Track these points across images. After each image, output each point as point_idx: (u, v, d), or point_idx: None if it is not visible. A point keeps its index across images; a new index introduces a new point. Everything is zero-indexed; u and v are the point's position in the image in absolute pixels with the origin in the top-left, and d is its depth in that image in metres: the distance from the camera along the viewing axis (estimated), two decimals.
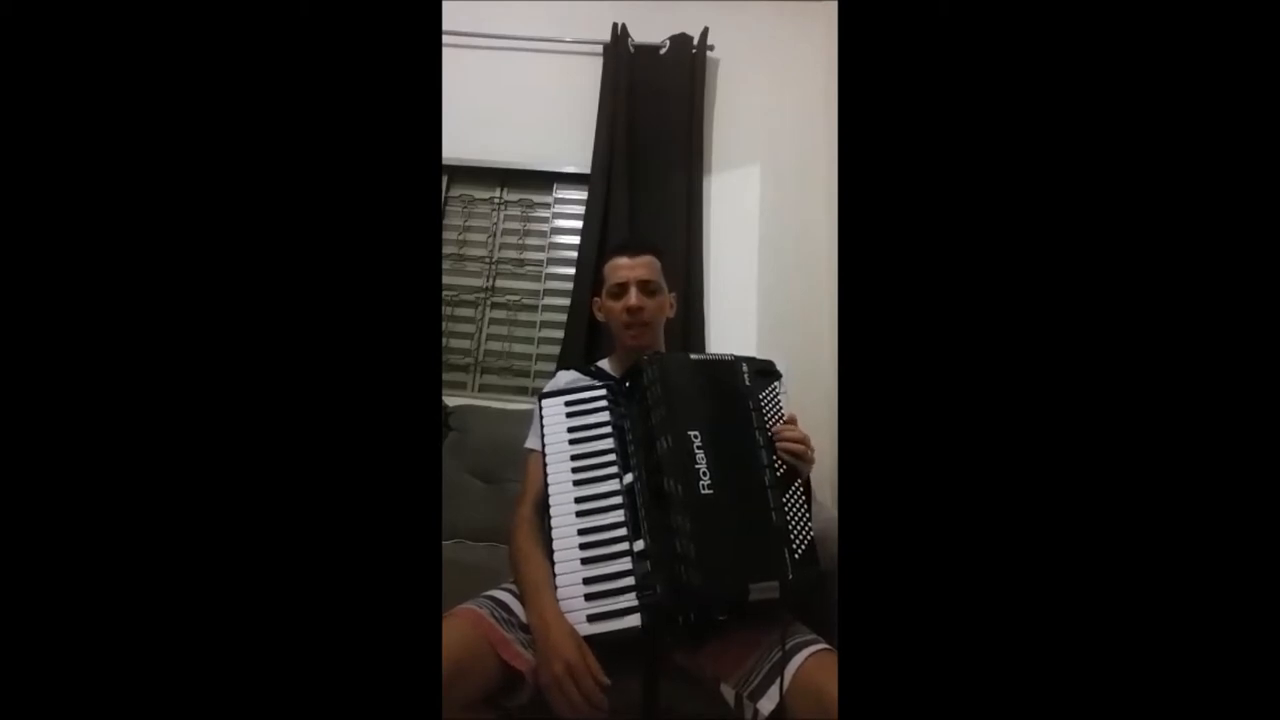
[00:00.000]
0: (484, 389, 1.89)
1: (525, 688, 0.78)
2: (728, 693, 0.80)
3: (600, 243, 1.76)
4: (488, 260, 1.98)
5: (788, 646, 0.78)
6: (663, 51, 1.98)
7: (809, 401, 1.61)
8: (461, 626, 0.78)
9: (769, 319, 1.86)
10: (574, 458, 0.88)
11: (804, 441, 0.88)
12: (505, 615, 0.83)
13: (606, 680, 0.73)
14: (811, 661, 0.76)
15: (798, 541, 0.82)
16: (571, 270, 1.87)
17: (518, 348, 1.92)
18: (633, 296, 1.05)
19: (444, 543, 1.32)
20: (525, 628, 0.81)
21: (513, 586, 0.89)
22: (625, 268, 1.08)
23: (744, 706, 0.78)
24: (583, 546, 0.81)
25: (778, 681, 0.75)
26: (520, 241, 2.00)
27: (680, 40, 1.97)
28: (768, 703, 0.75)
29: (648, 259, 1.10)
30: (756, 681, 0.77)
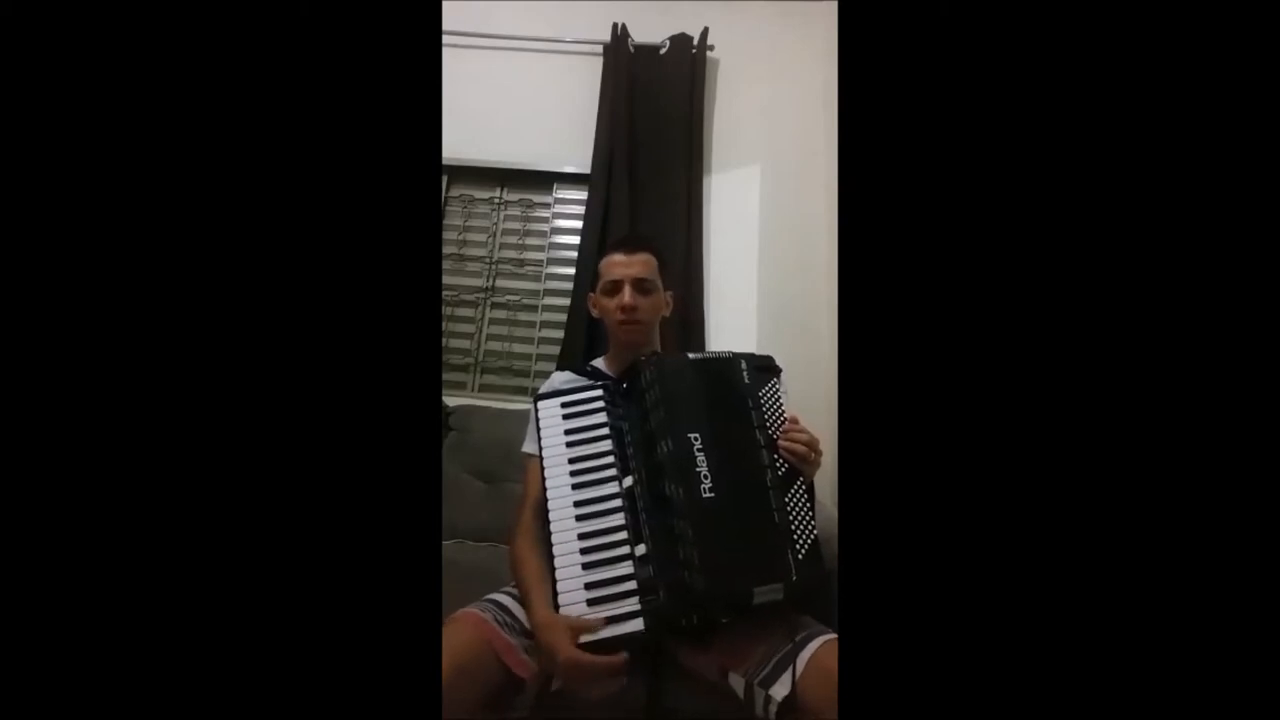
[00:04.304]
0: (484, 389, 1.89)
1: (527, 693, 0.78)
2: (736, 682, 0.80)
3: (600, 243, 1.76)
4: (488, 260, 1.98)
5: (799, 637, 0.78)
6: (663, 51, 1.98)
7: (809, 401, 1.61)
8: (464, 630, 0.78)
9: (769, 318, 1.86)
10: (572, 460, 0.88)
11: (811, 445, 0.87)
12: (508, 620, 0.83)
13: (597, 660, 0.73)
14: (825, 648, 0.76)
15: (801, 542, 0.82)
16: (571, 270, 1.86)
17: (518, 348, 1.92)
18: (626, 295, 1.04)
19: (444, 543, 1.32)
20: (528, 632, 0.81)
21: (515, 590, 0.89)
22: (620, 265, 1.07)
23: (754, 694, 0.77)
24: (583, 551, 0.81)
25: (790, 668, 0.75)
26: (520, 241, 2.00)
27: (680, 40, 1.97)
28: (780, 689, 0.74)
29: (644, 257, 1.08)
30: (768, 670, 0.77)
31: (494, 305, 1.95)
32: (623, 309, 1.05)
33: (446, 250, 1.98)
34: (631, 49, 1.97)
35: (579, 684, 0.74)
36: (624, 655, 0.73)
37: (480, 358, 1.91)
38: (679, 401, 0.87)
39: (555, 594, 0.79)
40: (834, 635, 0.79)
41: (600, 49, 1.98)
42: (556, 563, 0.81)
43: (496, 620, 0.82)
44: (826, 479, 1.54)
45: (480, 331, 1.93)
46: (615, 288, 1.06)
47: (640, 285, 1.06)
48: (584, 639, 0.74)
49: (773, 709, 0.74)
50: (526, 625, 0.82)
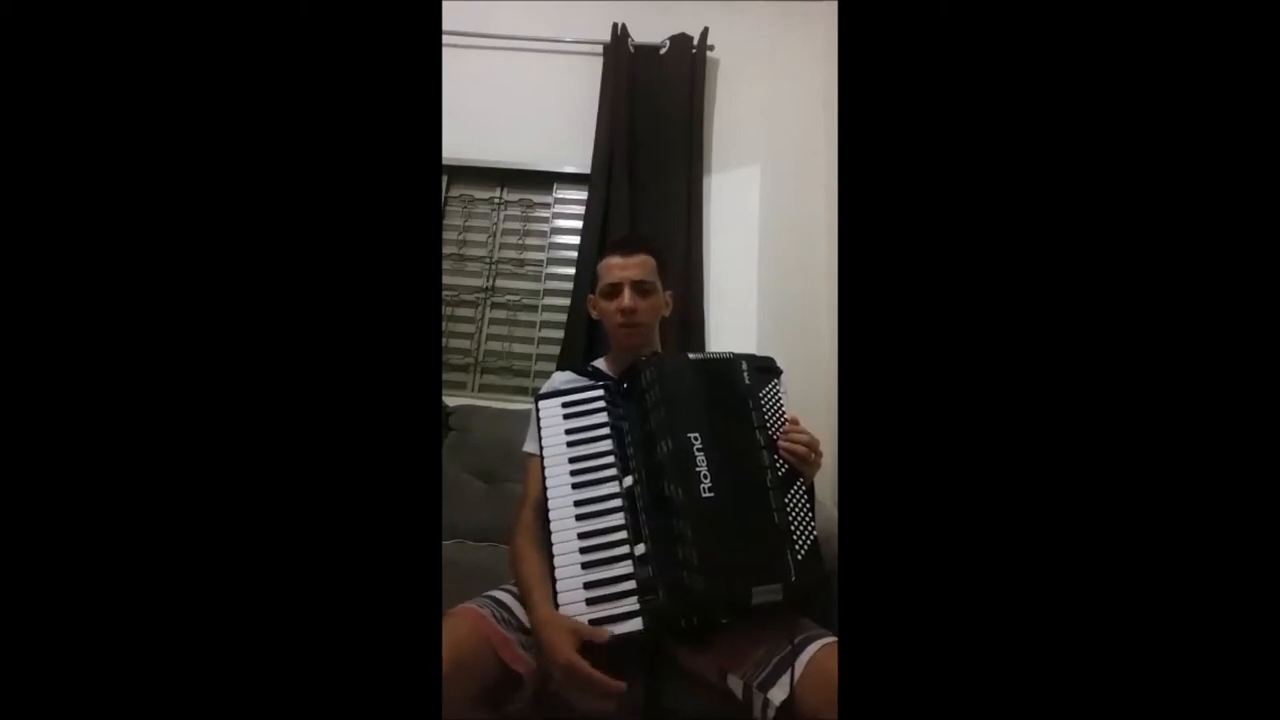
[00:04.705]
0: (484, 389, 1.89)
1: (525, 689, 0.78)
2: (735, 684, 0.80)
3: (600, 243, 1.76)
4: (488, 260, 1.98)
5: (798, 639, 0.77)
6: (663, 51, 1.98)
7: (809, 401, 1.61)
8: (462, 625, 0.78)
9: (769, 318, 1.86)
10: (572, 460, 0.88)
11: (811, 445, 0.87)
12: (506, 616, 0.83)
13: (596, 675, 0.72)
14: (824, 651, 0.76)
15: (800, 542, 0.82)
16: (571, 270, 1.86)
17: (518, 348, 1.92)
18: (626, 298, 1.04)
19: (444, 543, 1.32)
20: (525, 629, 0.82)
21: (513, 587, 0.89)
22: (619, 267, 1.07)
23: (753, 697, 0.77)
24: (583, 550, 0.81)
25: (789, 671, 0.74)
26: (520, 241, 2.00)
27: (680, 40, 1.97)
28: (779, 692, 0.74)
29: (642, 258, 1.08)
30: (766, 672, 0.77)
31: (494, 305, 1.95)
32: (622, 311, 1.04)
33: (446, 250, 1.98)
34: (631, 49, 1.97)
35: (573, 691, 0.74)
36: (623, 685, 0.72)
37: (480, 358, 1.91)
38: (679, 401, 0.87)
39: (555, 593, 0.79)
40: (833, 638, 0.79)
41: (600, 49, 1.98)
42: (556, 562, 0.81)
43: (494, 616, 0.82)
44: (826, 479, 1.54)
45: (480, 331, 1.93)
46: (614, 290, 1.06)
47: (639, 287, 1.05)
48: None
49: (771, 713, 0.74)
50: (524, 622, 0.82)
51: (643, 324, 1.06)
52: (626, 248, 1.10)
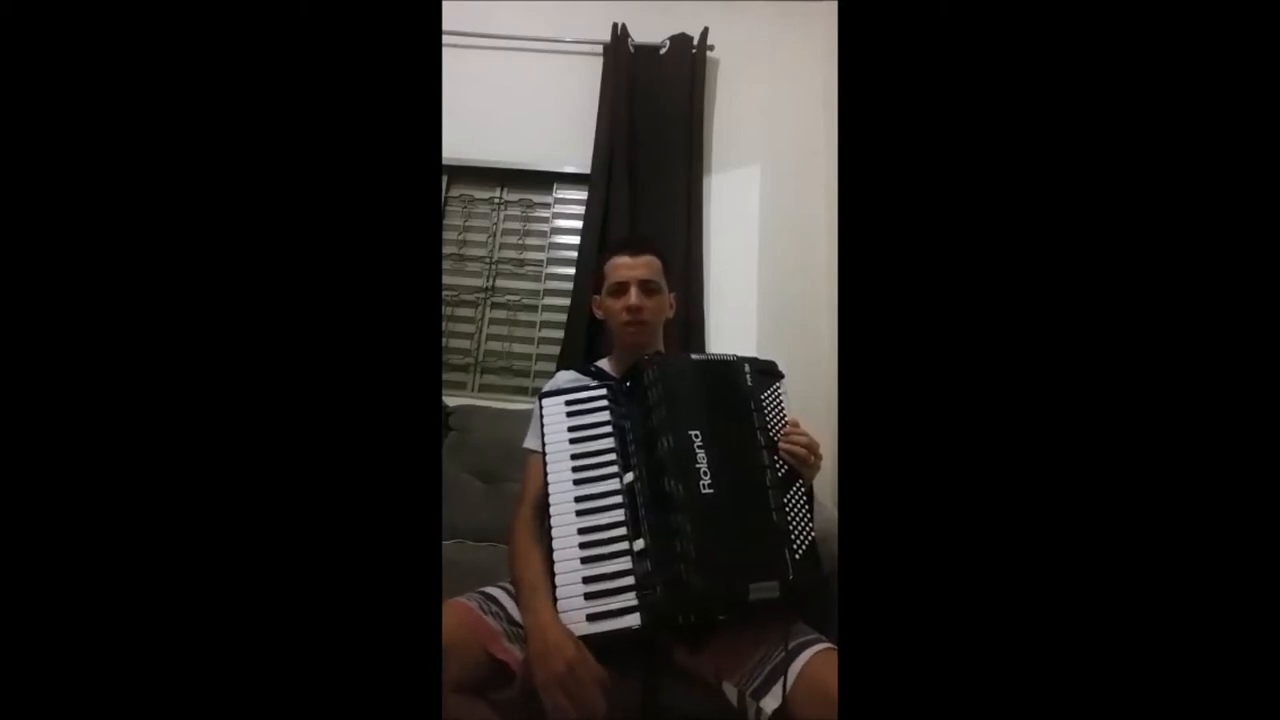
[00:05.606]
0: (484, 389, 1.89)
1: (514, 682, 0.78)
2: (730, 691, 0.80)
3: (600, 243, 1.76)
4: (488, 260, 1.98)
5: (791, 645, 0.78)
6: (663, 51, 1.98)
7: (809, 401, 1.61)
8: (448, 617, 0.77)
9: (769, 319, 1.86)
10: (574, 457, 0.88)
11: (811, 448, 0.87)
12: (494, 609, 0.83)
13: (607, 681, 0.73)
14: (817, 660, 0.75)
15: (798, 541, 0.82)
16: (571, 270, 1.86)
17: (518, 348, 1.92)
18: (633, 296, 1.04)
19: (444, 543, 1.32)
20: (514, 622, 0.82)
21: (507, 585, 0.89)
22: (626, 266, 1.07)
23: (747, 704, 0.77)
24: (582, 546, 0.81)
25: (781, 680, 0.74)
26: (520, 241, 2.00)
27: (680, 40, 1.97)
28: (771, 701, 0.74)
29: (648, 258, 1.09)
30: (760, 680, 0.77)
31: (494, 305, 1.95)
32: (629, 310, 1.05)
33: (446, 250, 1.98)
34: (631, 49, 1.97)
35: (559, 695, 0.72)
36: (608, 679, 0.74)
37: (480, 358, 1.91)
38: (680, 399, 0.87)
39: (553, 588, 0.79)
40: (827, 645, 0.79)
41: (600, 49, 1.99)
42: (556, 557, 0.81)
43: (481, 609, 0.82)
44: (826, 479, 1.54)
45: (480, 331, 1.93)
46: (621, 289, 1.06)
47: (646, 286, 1.06)
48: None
49: None
50: (514, 616, 0.82)
51: (648, 323, 1.06)
52: (633, 247, 1.11)
